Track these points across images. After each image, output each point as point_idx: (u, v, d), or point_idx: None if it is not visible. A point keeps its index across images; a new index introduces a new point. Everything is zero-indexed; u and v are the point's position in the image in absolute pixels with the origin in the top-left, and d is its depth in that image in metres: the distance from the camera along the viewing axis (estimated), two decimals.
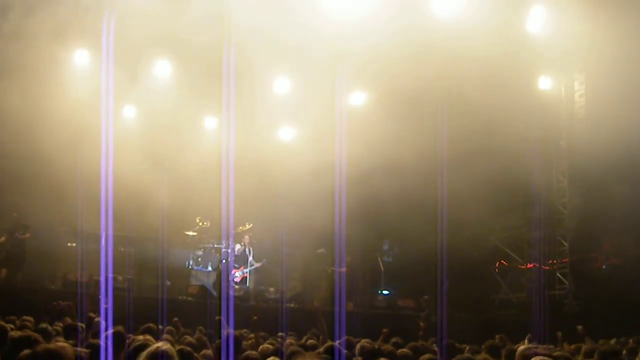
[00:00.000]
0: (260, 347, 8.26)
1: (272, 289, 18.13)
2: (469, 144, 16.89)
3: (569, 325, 13.70)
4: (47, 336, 7.35)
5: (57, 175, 16.23)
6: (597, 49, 15.94)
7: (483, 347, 9.00)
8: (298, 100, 18.73)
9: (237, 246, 18.57)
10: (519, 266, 20.00)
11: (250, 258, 18.58)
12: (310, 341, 9.58)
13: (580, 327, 12.49)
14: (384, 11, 14.72)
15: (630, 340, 11.13)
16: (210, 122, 20.68)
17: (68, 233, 18.12)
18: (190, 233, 19.64)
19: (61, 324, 9.44)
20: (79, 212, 15.16)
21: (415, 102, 17.58)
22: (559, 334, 12.20)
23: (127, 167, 15.15)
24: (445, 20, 15.29)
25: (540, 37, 16.55)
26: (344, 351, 6.93)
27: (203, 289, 17.38)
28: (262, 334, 10.94)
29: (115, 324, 8.14)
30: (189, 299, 17.05)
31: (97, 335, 8.04)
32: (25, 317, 9.66)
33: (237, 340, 7.19)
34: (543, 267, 19.04)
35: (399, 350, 7.80)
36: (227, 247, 18.14)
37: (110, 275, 13.86)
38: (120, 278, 16.31)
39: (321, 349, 7.30)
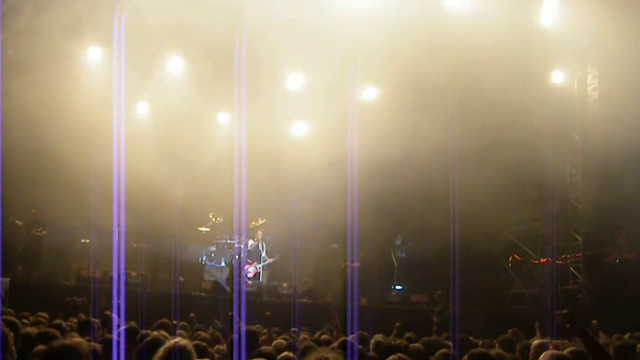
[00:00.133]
0: (274, 342, 8.29)
1: (285, 284, 18.12)
2: (483, 139, 16.81)
3: (583, 319, 13.64)
4: (62, 332, 7.38)
5: (72, 171, 16.22)
6: (610, 42, 15.92)
7: (497, 341, 9.00)
8: (312, 94, 18.67)
9: (250, 242, 18.60)
10: (533, 261, 19.91)
11: (263, 253, 18.63)
12: (323, 336, 9.57)
13: (595, 321, 12.44)
14: (400, 7, 14.70)
15: None
16: (223, 118, 20.65)
17: (82, 229, 18.11)
18: (203, 229, 19.63)
19: (75, 320, 9.49)
20: (93, 208, 15.18)
21: (430, 96, 17.54)
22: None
23: (141, 163, 15.16)
24: (460, 15, 15.34)
25: (553, 31, 16.51)
26: (358, 346, 6.92)
27: (216, 284, 17.44)
28: (276, 329, 11.00)
29: (128, 319, 8.15)
30: (202, 294, 17.12)
31: (111, 331, 8.07)
32: (39, 313, 9.73)
33: (254, 336, 7.20)
34: (556, 261, 18.98)
35: (412, 345, 7.79)
36: (240, 242, 18.18)
37: (123, 271, 13.86)
38: (134, 274, 16.36)
39: (335, 344, 7.30)
